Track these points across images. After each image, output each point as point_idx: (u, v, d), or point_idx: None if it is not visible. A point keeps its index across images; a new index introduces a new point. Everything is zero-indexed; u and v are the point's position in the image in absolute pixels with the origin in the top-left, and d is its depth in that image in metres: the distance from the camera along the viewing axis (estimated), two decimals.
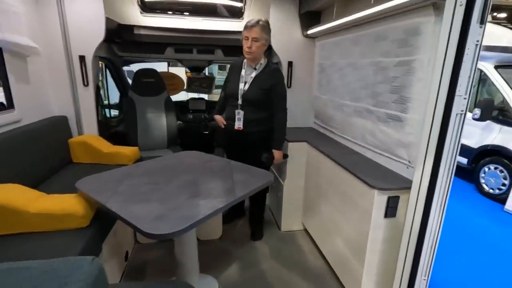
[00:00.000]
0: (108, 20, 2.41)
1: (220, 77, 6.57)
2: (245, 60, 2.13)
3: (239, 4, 3.10)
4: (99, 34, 2.38)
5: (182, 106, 3.76)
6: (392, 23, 1.63)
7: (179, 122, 3.35)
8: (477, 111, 3.99)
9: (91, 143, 2.35)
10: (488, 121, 4.17)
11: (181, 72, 4.11)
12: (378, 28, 1.75)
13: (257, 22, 1.99)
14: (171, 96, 3.29)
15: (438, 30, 1.31)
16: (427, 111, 1.35)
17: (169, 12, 2.96)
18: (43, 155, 2.03)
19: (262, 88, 2.08)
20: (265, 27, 2.01)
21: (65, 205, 1.41)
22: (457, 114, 1.29)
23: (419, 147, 1.40)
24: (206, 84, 3.96)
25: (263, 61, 2.12)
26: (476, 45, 1.23)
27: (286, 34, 2.71)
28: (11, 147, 1.75)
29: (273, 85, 2.08)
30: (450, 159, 1.35)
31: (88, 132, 2.53)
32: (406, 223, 1.45)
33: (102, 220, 1.55)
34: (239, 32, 3.00)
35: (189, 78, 3.86)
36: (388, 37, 1.66)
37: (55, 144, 2.23)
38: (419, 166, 1.40)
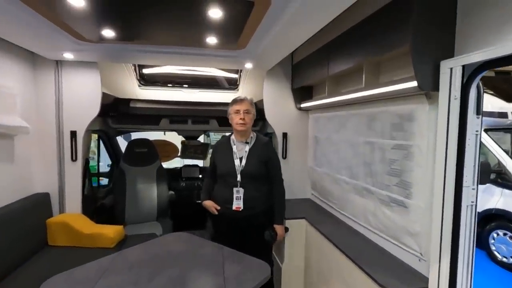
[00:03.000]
0: (104, 95, 2.44)
1: (216, 138, 6.60)
2: (232, 137, 2.10)
3: (234, 76, 3.24)
4: (94, 109, 2.38)
5: (174, 174, 3.65)
6: (385, 106, 1.63)
7: (170, 192, 3.20)
8: None
9: (71, 223, 2.16)
10: (487, 184, 4.09)
11: (177, 137, 4.11)
12: (371, 109, 1.75)
13: (245, 97, 2.06)
14: (164, 163, 3.21)
15: (434, 117, 1.30)
16: (435, 202, 1.26)
17: (168, 85, 3.05)
18: (15, 239, 1.84)
19: (260, 160, 2.02)
20: (253, 102, 2.08)
21: None
22: (467, 206, 1.20)
23: (431, 241, 1.27)
24: (201, 150, 3.93)
25: (252, 135, 2.10)
26: (476, 135, 1.20)
27: (280, 107, 2.76)
28: None
29: (269, 157, 2.05)
30: (468, 255, 1.21)
31: (71, 209, 2.36)
32: None
33: None
34: None
35: (183, 145, 3.83)
36: (382, 120, 1.65)
37: (32, 226, 2.04)
38: (435, 263, 1.25)
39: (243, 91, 3.36)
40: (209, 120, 3.19)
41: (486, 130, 4.39)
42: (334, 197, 2.26)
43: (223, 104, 3.10)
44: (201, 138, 4.77)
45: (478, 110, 1.20)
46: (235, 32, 1.51)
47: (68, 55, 2.10)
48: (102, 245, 2.09)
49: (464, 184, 1.18)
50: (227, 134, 2.24)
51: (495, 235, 4.02)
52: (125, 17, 1.33)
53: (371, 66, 1.71)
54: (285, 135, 2.76)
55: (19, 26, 1.54)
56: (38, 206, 2.19)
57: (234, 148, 2.05)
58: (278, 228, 2.04)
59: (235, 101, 2.04)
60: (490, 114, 4.44)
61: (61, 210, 2.34)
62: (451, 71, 1.17)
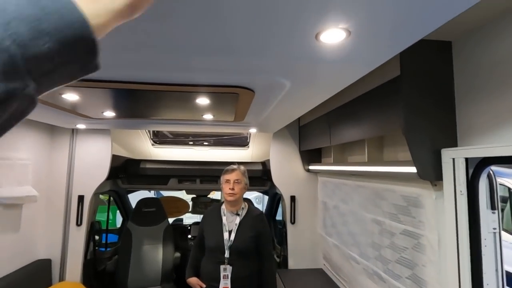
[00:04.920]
0: (114, 158, 2.52)
1: None
2: (223, 207, 2.01)
3: (245, 133, 3.27)
4: (103, 173, 2.44)
5: (182, 232, 3.57)
6: (390, 184, 1.50)
7: (176, 254, 3.09)
8: None
9: None
10: None
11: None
12: (377, 185, 1.62)
13: (237, 167, 2.00)
14: (173, 218, 3.16)
15: (442, 207, 1.15)
16: None
17: (181, 143, 3.13)
18: None
19: (251, 235, 1.89)
20: (244, 171, 2.02)
21: None
22: None
23: None
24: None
25: (244, 206, 2.00)
26: (494, 233, 1.03)
27: (287, 168, 2.68)
28: None
29: (260, 231, 1.92)
30: None
31: (71, 277, 2.31)
32: None
33: None
34: (242, 163, 3.03)
35: (194, 201, 3.79)
36: (388, 199, 1.51)
37: None
38: None
39: (253, 149, 3.35)
40: (218, 180, 3.15)
41: None
42: (346, 274, 2.03)
43: (232, 163, 3.09)
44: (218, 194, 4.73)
45: (493, 205, 1.04)
46: (228, 112, 1.52)
47: (81, 126, 2.23)
48: None
49: None
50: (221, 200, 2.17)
51: None
52: (120, 105, 1.40)
53: (373, 140, 1.62)
54: (293, 198, 2.63)
55: (35, 110, 1.66)
56: (39, 274, 2.17)
57: (224, 219, 1.95)
58: None
59: (226, 171, 2.00)
60: None
61: (61, 277, 2.30)
62: (453, 162, 1.05)
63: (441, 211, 1.15)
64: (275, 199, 3.50)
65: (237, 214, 1.95)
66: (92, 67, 0.31)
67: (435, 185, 1.19)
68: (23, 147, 2.06)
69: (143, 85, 1.07)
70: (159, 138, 3.34)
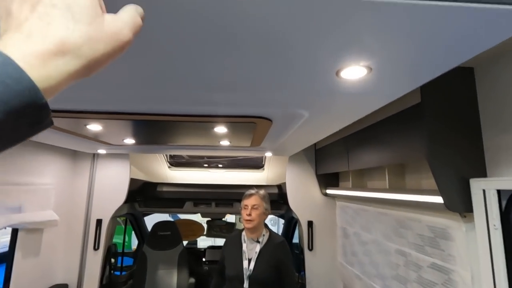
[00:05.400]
0: (132, 181, 2.56)
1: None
2: (243, 233, 1.96)
3: (260, 156, 3.26)
4: (121, 197, 2.48)
5: (198, 256, 3.51)
6: (414, 213, 1.43)
7: (190, 280, 3.03)
8: None
9: None
10: None
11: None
12: (400, 213, 1.55)
13: (256, 191, 1.97)
14: (188, 241, 3.13)
15: (474, 240, 1.08)
16: None
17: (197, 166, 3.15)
18: None
19: (271, 264, 1.82)
20: (264, 196, 1.97)
21: None
22: None
23: None
24: (227, 229, 3.81)
25: (265, 233, 1.94)
26: None
27: (304, 192, 2.62)
28: None
29: (282, 261, 1.85)
30: None
31: None
32: None
33: None
34: (257, 186, 2.99)
35: (209, 224, 3.76)
36: (413, 228, 1.43)
37: None
38: None
39: (268, 171, 3.33)
40: (233, 203, 3.13)
41: None
42: None
43: (248, 186, 3.07)
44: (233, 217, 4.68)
45: None
46: (245, 139, 1.53)
47: (102, 151, 2.29)
48: None
49: None
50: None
51: None
52: (141, 133, 1.43)
53: (394, 166, 1.57)
54: (310, 224, 2.56)
55: (60, 138, 1.73)
56: None
57: (244, 246, 1.90)
58: None
59: (244, 196, 1.98)
60: None
61: None
62: (484, 193, 1.00)
63: (473, 245, 1.08)
64: (291, 223, 3.42)
65: (258, 242, 1.90)
66: (44, 126, 0.29)
67: (465, 216, 1.12)
68: (47, 172, 2.14)
69: (163, 116, 1.10)
70: (175, 160, 3.38)
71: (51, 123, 0.30)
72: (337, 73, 0.66)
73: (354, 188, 2.02)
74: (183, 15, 0.45)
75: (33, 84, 0.26)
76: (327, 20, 0.47)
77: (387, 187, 1.58)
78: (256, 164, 3.41)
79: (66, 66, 0.29)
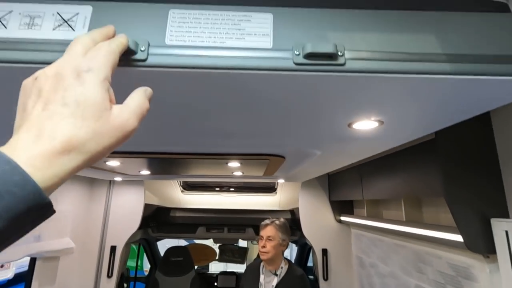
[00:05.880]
0: (146, 206, 2.59)
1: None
2: (262, 264, 1.93)
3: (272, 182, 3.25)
4: (135, 223, 2.51)
5: (209, 282, 3.45)
6: (434, 248, 1.38)
7: None
8: None
9: None
10: None
11: None
12: (418, 247, 1.50)
13: (272, 221, 1.94)
14: (200, 266, 3.10)
15: (500, 283, 1.02)
16: None
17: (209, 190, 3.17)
18: None
19: None
20: (281, 226, 1.94)
21: None
22: None
23: None
24: (239, 254, 3.75)
25: (283, 265, 1.90)
26: None
27: (317, 219, 2.58)
28: None
29: None
30: None
31: None
32: None
33: None
34: (269, 211, 2.93)
35: (221, 249, 3.72)
36: (433, 264, 1.38)
37: None
38: None
39: (281, 195, 3.30)
40: (246, 228, 3.10)
41: None
42: None
43: (260, 211, 3.05)
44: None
45: None
46: (258, 170, 1.54)
47: (118, 179, 2.35)
48: None
49: None
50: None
51: None
52: (156, 167, 1.48)
53: (410, 198, 1.54)
54: (325, 252, 2.49)
55: None
56: None
57: (262, 278, 1.87)
58: None
59: (260, 226, 1.96)
60: None
61: None
62: (507, 234, 0.96)
63: (498, 286, 1.03)
64: (305, 249, 3.34)
65: (275, 274, 1.86)
66: (46, 218, 0.30)
67: (488, 256, 1.07)
68: (65, 199, 2.20)
69: (179, 155, 1.13)
70: (188, 184, 3.42)
71: (53, 212, 0.31)
72: (349, 125, 0.67)
73: (369, 217, 1.98)
74: (212, 85, 0.48)
75: (38, 188, 0.27)
76: (343, 94, 0.49)
77: (404, 219, 1.54)
78: (268, 186, 3.40)
79: (70, 162, 0.30)
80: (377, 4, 0.45)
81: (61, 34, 0.41)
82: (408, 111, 0.59)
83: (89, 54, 0.34)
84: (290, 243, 2.62)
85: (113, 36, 0.39)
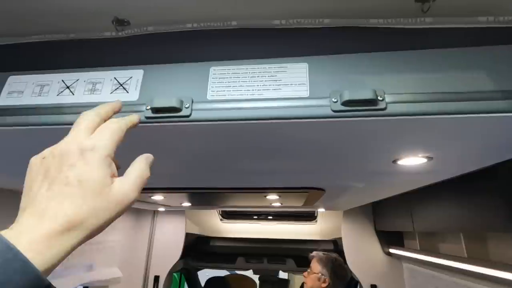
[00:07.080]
0: (187, 236, 2.63)
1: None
2: None
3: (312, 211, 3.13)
4: (177, 252, 2.55)
5: None
6: None
7: None
8: None
9: None
10: None
11: None
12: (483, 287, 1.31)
13: (314, 254, 1.91)
14: None
15: None
16: None
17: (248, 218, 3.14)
18: None
19: None
20: (321, 259, 1.86)
21: None
22: None
23: None
24: (279, 286, 3.59)
25: None
26: None
27: (363, 251, 2.39)
28: None
29: None
30: None
31: None
32: None
33: None
34: (310, 241, 2.79)
35: (261, 280, 3.60)
36: None
37: None
38: None
39: (321, 223, 3.16)
40: (286, 259, 2.99)
41: None
42: None
43: (300, 241, 2.93)
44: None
45: None
46: (297, 202, 1.51)
47: (162, 209, 2.45)
48: None
49: None
50: None
51: None
52: (197, 200, 1.52)
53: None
54: None
55: None
56: None
57: None
58: None
59: None
60: None
61: None
62: None
63: None
64: (351, 284, 3.09)
65: None
66: None
67: None
68: (115, 230, 2.33)
69: (219, 189, 1.16)
70: (226, 212, 3.44)
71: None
72: (394, 161, 0.64)
73: (422, 251, 1.79)
74: (250, 134, 0.49)
75: (37, 273, 0.26)
76: (387, 136, 0.47)
77: (465, 255, 1.37)
78: (308, 214, 3.28)
79: (71, 241, 0.30)
80: (413, 44, 0.44)
81: (117, 96, 0.46)
82: (460, 148, 0.54)
83: (97, 131, 0.35)
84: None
85: (119, 110, 0.41)
